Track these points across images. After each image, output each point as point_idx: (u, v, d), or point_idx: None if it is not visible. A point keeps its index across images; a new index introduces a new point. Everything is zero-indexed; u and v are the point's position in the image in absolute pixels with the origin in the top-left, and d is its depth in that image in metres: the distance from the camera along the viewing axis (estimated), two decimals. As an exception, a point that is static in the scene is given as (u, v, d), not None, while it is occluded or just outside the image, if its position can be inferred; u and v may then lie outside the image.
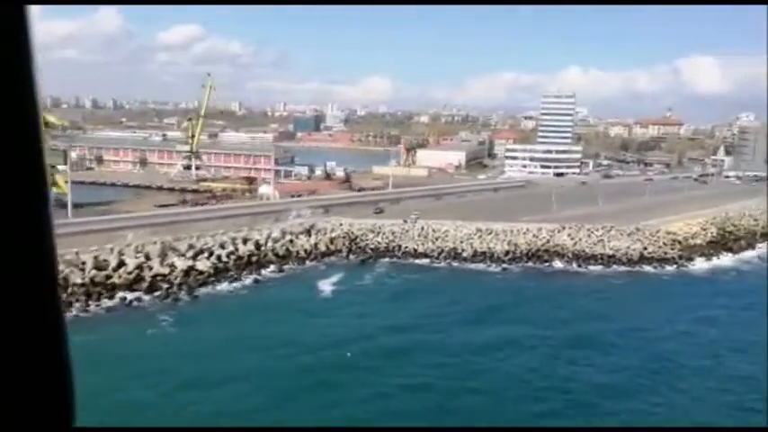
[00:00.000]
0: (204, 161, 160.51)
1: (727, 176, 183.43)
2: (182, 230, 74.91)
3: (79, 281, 57.44)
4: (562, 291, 68.29)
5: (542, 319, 58.13)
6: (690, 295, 68.39)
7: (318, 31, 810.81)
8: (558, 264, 79.65)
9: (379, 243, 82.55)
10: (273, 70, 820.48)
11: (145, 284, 60.74)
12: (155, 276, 62.23)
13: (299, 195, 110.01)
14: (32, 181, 1.63)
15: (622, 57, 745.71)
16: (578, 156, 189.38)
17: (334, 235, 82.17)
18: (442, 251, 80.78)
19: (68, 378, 1.84)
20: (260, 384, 42.42)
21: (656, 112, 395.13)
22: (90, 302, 55.57)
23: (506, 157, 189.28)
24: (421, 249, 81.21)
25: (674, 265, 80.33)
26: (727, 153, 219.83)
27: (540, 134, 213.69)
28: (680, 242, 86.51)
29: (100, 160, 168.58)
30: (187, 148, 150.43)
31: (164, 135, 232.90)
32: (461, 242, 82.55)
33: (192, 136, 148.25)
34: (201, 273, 65.29)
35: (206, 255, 68.57)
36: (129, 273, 61.49)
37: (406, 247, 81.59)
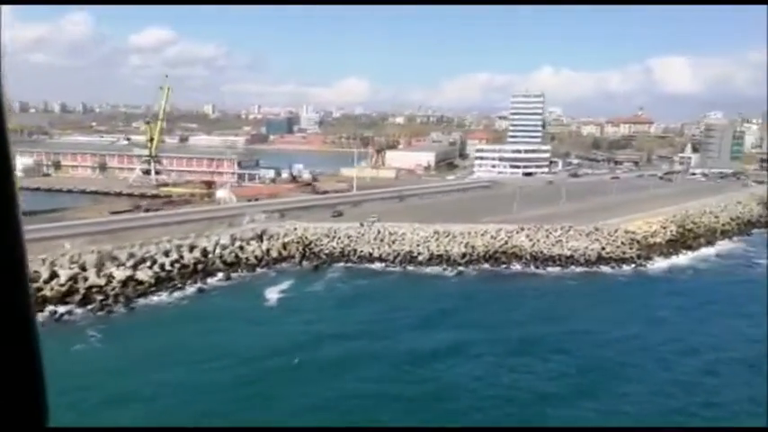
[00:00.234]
0: (165, 165, 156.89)
1: (694, 174, 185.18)
2: (126, 238, 71.89)
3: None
4: (516, 293, 66.97)
5: (492, 323, 56.68)
6: (644, 296, 67.61)
7: (294, 33, 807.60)
8: (515, 266, 78.45)
9: (333, 248, 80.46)
10: (249, 73, 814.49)
11: (78, 297, 57.72)
12: (89, 288, 59.23)
13: (258, 199, 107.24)
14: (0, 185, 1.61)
15: (595, 57, 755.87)
16: (547, 155, 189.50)
17: (287, 240, 79.82)
18: (398, 255, 79.01)
19: (40, 379, 1.93)
20: (185, 399, 40.05)
21: (628, 111, 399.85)
22: (14, 318, 52.30)
23: (476, 158, 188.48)
24: (376, 253, 79.33)
25: (632, 265, 79.72)
26: (695, 150, 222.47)
27: (511, 134, 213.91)
28: (638, 241, 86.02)
29: (57, 166, 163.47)
30: (146, 152, 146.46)
31: (127, 138, 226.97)
32: (418, 245, 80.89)
33: (151, 139, 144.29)
34: (141, 283, 62.44)
35: (148, 264, 65.67)
36: (62, 285, 58.37)
37: (362, 252, 79.65)
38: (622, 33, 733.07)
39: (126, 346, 48.01)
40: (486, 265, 77.90)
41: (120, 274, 62.28)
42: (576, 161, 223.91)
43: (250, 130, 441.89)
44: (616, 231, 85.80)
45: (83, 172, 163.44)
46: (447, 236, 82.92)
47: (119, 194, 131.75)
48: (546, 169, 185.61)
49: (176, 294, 62.28)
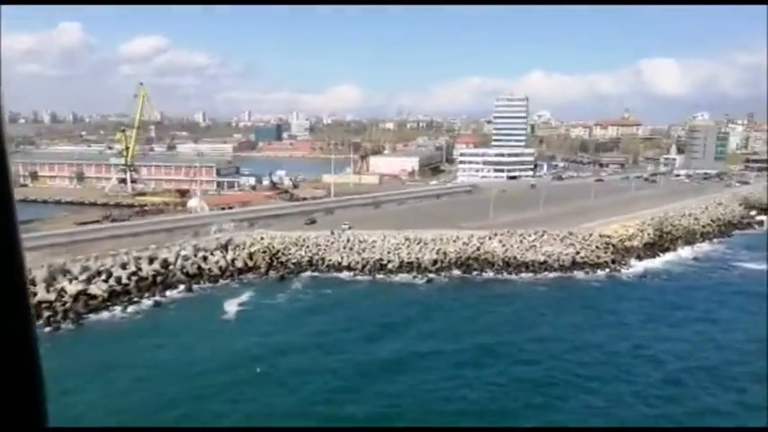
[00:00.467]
0: (144, 174, 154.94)
1: (678, 175, 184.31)
2: (86, 250, 69.73)
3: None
4: (485, 300, 65.16)
5: (455, 332, 55.13)
6: (614, 302, 66.00)
7: (286, 40, 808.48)
8: (488, 272, 76.68)
9: (301, 257, 78.50)
10: (241, 81, 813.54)
11: (25, 313, 55.35)
12: (38, 304, 56.90)
13: (231, 208, 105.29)
14: None
15: (586, 60, 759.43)
16: (531, 158, 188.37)
17: (253, 250, 77.79)
18: (368, 263, 77.14)
19: (39, 381, 1.95)
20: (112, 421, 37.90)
21: (619, 113, 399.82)
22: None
23: (459, 162, 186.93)
24: (345, 262, 77.45)
25: (606, 270, 78.09)
26: (680, 152, 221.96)
27: (495, 137, 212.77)
28: (614, 245, 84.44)
29: (34, 176, 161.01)
30: (122, 161, 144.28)
31: (109, 147, 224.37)
32: (388, 253, 79.03)
33: (127, 148, 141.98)
34: (94, 297, 60.31)
35: (103, 277, 63.54)
36: (9, 301, 56.02)
37: (330, 261, 77.75)
38: (613, 36, 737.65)
39: (64, 364, 45.77)
40: (458, 272, 76.17)
41: (71, 288, 60.09)
42: (561, 164, 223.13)
43: (240, 137, 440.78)
44: (591, 236, 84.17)
45: (60, 182, 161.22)
46: (418, 243, 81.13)
47: (93, 204, 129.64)
48: (530, 172, 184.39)
49: (131, 309, 60.20)
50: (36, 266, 61.76)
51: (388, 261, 77.63)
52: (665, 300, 66.41)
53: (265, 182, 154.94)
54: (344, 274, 74.99)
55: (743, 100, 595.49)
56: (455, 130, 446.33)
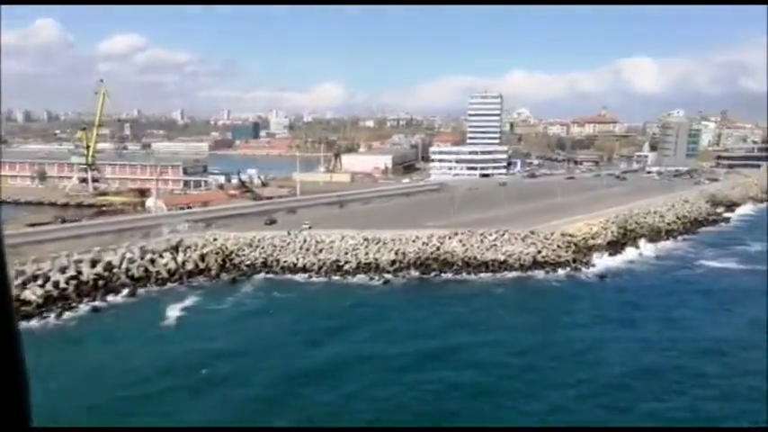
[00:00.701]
0: (108, 173, 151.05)
1: (650, 172, 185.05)
2: (25, 253, 66.46)
3: None
4: (438, 302, 63.52)
5: (401, 335, 53.56)
6: (570, 301, 64.92)
7: (268, 38, 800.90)
8: (447, 273, 75.01)
9: (256, 258, 76.17)
10: (222, 79, 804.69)
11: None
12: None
13: (191, 207, 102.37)
14: None
15: (567, 59, 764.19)
16: (504, 156, 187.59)
17: (205, 251, 75.26)
18: (324, 264, 75.06)
19: (24, 381, 1.95)
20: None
21: (597, 111, 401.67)
22: None
23: (432, 160, 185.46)
24: (301, 263, 75.31)
25: (567, 269, 76.90)
26: (653, 149, 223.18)
27: (470, 135, 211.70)
28: (576, 244, 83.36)
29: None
30: (83, 159, 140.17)
31: (76, 145, 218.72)
32: (346, 254, 77.02)
33: (88, 147, 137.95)
34: (27, 303, 57.36)
35: (39, 282, 60.59)
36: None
37: (285, 262, 75.56)
38: (594, 35, 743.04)
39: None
40: (416, 273, 74.37)
41: (3, 294, 56.99)
42: (536, 162, 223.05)
43: (218, 135, 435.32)
44: (552, 234, 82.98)
45: (22, 182, 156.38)
46: (377, 243, 79.24)
47: (53, 204, 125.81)
48: (504, 170, 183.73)
49: (66, 315, 57.38)
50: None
51: (346, 262, 75.63)
52: (622, 300, 65.39)
53: (234, 181, 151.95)
54: (299, 276, 72.85)
55: (718, 97, 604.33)
56: (435, 128, 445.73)
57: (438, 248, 78.92)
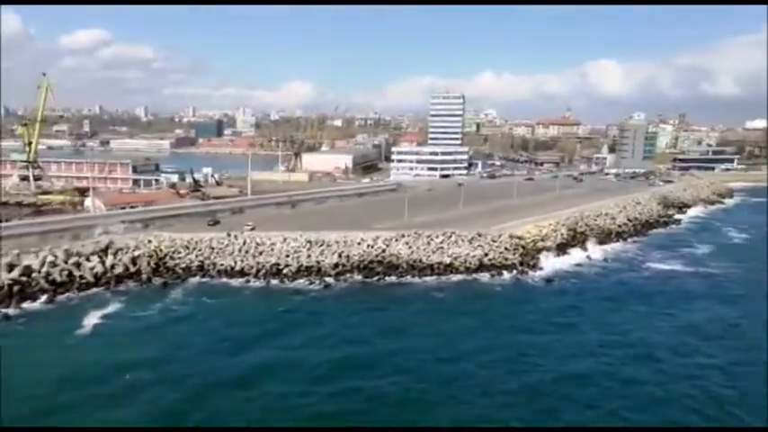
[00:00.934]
0: (54, 171, 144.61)
1: (607, 174, 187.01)
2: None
3: None
4: (376, 306, 61.39)
5: (331, 341, 51.68)
6: (510, 305, 63.67)
7: (238, 36, 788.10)
8: (391, 276, 72.90)
9: (191, 261, 72.75)
10: (191, 76, 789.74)
11: None
12: None
13: (133, 207, 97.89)
14: None
15: (535, 60, 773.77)
16: (464, 156, 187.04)
17: (137, 254, 71.46)
18: (263, 268, 72.11)
19: None
20: None
21: (564, 112, 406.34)
22: None
23: (392, 160, 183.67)
24: (239, 267, 72.19)
25: (513, 272, 75.68)
26: (611, 151, 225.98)
27: (431, 135, 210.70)
28: (524, 246, 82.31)
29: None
30: (24, 157, 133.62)
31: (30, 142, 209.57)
32: (287, 256, 74.22)
33: (29, 144, 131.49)
34: (-72, 311, 52.95)
35: (-55, 288, 56.17)
36: None
37: (222, 265, 72.32)
38: (562, 38, 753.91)
39: None
40: (359, 277, 72.05)
41: None
42: (498, 162, 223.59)
43: (181, 133, 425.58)
44: (500, 236, 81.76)
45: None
46: (321, 245, 76.65)
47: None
48: (464, 171, 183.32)
49: (-28, 324, 53.20)
50: None
51: (286, 265, 72.81)
52: (565, 303, 64.29)
53: (188, 179, 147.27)
54: (236, 280, 69.79)
55: (680, 100, 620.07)
56: (403, 128, 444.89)
57: (383, 251, 76.77)
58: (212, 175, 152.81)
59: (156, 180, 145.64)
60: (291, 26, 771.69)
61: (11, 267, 62.34)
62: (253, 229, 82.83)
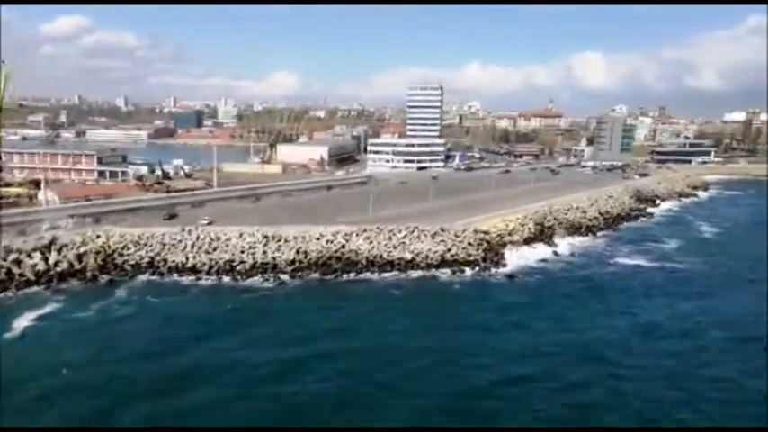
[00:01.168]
0: (16, 162, 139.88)
1: (585, 166, 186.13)
2: None
3: None
4: (329, 305, 59.36)
5: (273, 342, 49.86)
6: (466, 302, 62.03)
7: (226, 25, 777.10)
8: (350, 273, 70.62)
9: (141, 257, 69.94)
10: (176, 65, 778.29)
11: None
12: None
13: (89, 200, 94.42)
14: None
15: (521, 53, 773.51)
16: (441, 149, 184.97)
17: (84, 250, 68.44)
18: (216, 264, 69.52)
19: None
20: None
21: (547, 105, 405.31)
22: None
23: (369, 152, 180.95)
24: (190, 263, 69.51)
25: (476, 269, 73.78)
26: (590, 143, 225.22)
27: (409, 127, 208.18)
28: (489, 242, 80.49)
29: None
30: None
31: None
32: (242, 252, 71.66)
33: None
34: None
35: None
36: None
37: (173, 262, 69.59)
38: (548, 30, 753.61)
39: None
40: (316, 274, 69.70)
41: None
42: (477, 155, 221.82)
43: (161, 124, 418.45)
44: (464, 231, 79.84)
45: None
46: (278, 241, 74.22)
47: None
48: (441, 163, 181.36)
49: None
50: None
51: (240, 262, 70.29)
52: (524, 301, 62.61)
53: (158, 172, 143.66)
54: (187, 278, 67.13)
55: (664, 93, 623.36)
56: (386, 119, 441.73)
57: (343, 247, 74.52)
58: (182, 168, 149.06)
59: (124, 172, 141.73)
60: (279, 15, 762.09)
61: (-58, 265, 59.20)
62: (210, 223, 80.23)
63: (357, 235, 76.65)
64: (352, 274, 70.39)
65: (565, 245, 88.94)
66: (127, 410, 37.53)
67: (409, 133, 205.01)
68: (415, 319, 55.55)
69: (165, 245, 72.02)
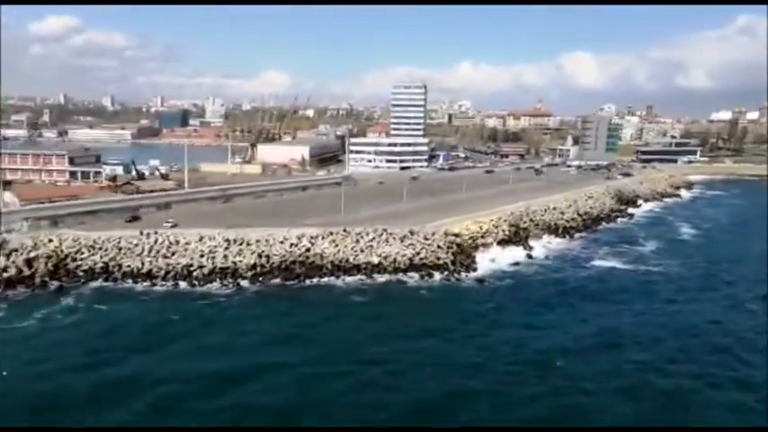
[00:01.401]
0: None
1: (569, 166, 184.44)
2: None
3: None
4: (286, 312, 57.02)
5: (215, 352, 47.15)
6: (433, 308, 59.79)
7: (217, 23, 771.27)
8: (314, 278, 68.11)
9: (95, 262, 67.11)
10: (166, 64, 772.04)
11: None
12: None
13: (53, 201, 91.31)
14: None
15: (512, 52, 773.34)
16: (425, 148, 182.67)
17: (34, 255, 65.60)
18: (173, 269, 66.80)
19: None
20: None
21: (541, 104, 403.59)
22: None
23: (351, 152, 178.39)
24: (146, 268, 66.76)
25: (445, 272, 71.45)
26: (575, 143, 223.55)
27: (393, 126, 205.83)
28: (460, 245, 78.20)
29: None
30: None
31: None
32: (201, 257, 69.00)
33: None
34: None
35: None
36: None
37: (129, 267, 66.81)
38: (539, 30, 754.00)
39: None
40: (278, 279, 67.12)
41: None
42: (462, 154, 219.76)
43: (146, 123, 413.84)
44: (434, 234, 77.49)
45: None
46: (240, 244, 71.60)
47: None
48: (425, 163, 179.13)
49: None
50: None
51: (199, 267, 67.59)
52: (485, 307, 60.22)
53: (133, 172, 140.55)
54: (141, 284, 64.38)
55: (654, 93, 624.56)
56: (375, 118, 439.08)
57: (308, 250, 72.01)
58: (157, 168, 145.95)
59: (97, 172, 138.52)
60: (270, 14, 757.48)
61: None
62: (174, 226, 77.50)
63: (323, 238, 74.17)
64: (315, 279, 67.95)
65: (540, 247, 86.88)
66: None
67: (393, 132, 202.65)
68: (372, 326, 53.18)
69: (120, 249, 69.23)
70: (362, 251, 73.05)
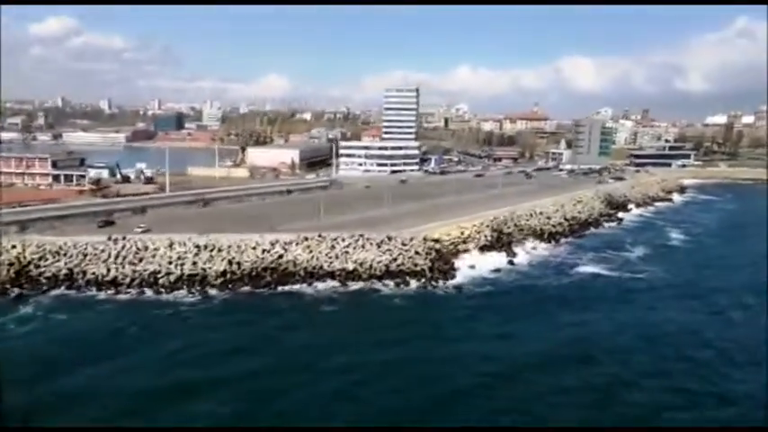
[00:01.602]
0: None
1: (562, 170, 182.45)
2: None
3: None
4: (249, 321, 54.84)
5: (166, 364, 45.27)
6: (406, 315, 57.68)
7: (217, 28, 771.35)
8: (286, 285, 66.00)
9: (59, 269, 65.04)
10: (165, 68, 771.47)
11: None
12: None
13: (26, 206, 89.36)
14: None
15: (511, 56, 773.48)
16: (416, 152, 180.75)
17: (-6, 262, 63.53)
18: (139, 276, 64.71)
19: None
20: None
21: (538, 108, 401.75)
22: None
23: (341, 155, 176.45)
24: (111, 275, 64.67)
25: (422, 279, 69.30)
26: (569, 146, 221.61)
27: (385, 129, 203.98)
28: (439, 251, 76.07)
29: None
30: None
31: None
32: (170, 263, 66.90)
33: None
34: None
35: None
36: None
37: (93, 274, 64.73)
38: (538, 34, 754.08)
39: None
40: (248, 287, 64.99)
41: None
42: (455, 158, 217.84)
43: (142, 126, 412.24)
44: (412, 240, 75.39)
45: None
46: (211, 250, 69.52)
47: None
48: (416, 167, 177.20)
49: None
50: None
51: (167, 273, 65.50)
52: (459, 315, 58.29)
53: (118, 175, 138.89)
54: (105, 292, 62.24)
55: (652, 96, 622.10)
56: (371, 122, 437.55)
57: (280, 257, 69.91)
58: (143, 171, 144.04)
59: (81, 176, 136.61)
60: (270, 17, 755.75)
61: None
62: (146, 231, 75.48)
63: (297, 244, 72.06)
64: (286, 287, 65.83)
65: (523, 253, 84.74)
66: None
67: (385, 136, 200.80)
68: (337, 336, 51.17)
69: (86, 255, 67.17)
70: (337, 257, 70.96)
